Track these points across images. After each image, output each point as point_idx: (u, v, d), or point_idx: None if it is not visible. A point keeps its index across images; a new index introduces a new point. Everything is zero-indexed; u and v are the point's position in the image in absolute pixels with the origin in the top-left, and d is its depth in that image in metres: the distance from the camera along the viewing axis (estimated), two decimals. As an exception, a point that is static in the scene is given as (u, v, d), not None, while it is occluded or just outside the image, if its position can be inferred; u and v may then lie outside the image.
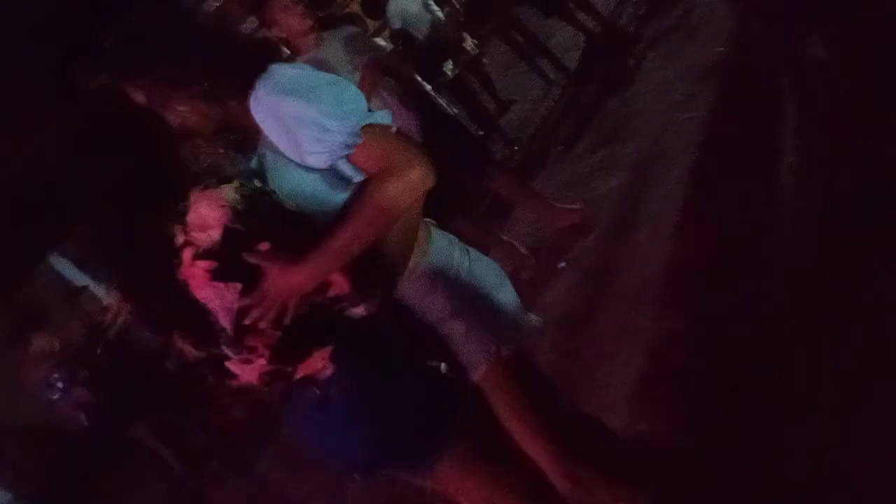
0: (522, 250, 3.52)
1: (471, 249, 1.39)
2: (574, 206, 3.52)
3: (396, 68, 3.42)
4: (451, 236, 1.39)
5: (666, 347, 2.22)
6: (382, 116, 1.24)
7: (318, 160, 1.20)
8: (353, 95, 1.24)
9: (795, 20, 2.57)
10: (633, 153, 3.64)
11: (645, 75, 4.30)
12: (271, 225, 1.16)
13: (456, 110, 5.54)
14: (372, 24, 9.03)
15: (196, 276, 1.12)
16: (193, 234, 1.13)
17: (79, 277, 6.37)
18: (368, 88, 3.03)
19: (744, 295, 2.15)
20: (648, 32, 4.80)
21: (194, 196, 1.15)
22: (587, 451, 1.38)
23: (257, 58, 1.32)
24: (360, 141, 1.18)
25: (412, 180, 1.20)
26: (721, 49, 3.61)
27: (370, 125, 1.20)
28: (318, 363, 1.17)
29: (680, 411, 1.97)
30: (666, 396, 2.07)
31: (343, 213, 1.20)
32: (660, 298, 2.49)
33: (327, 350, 1.18)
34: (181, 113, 1.21)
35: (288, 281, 1.15)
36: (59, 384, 4.45)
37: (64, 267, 6.46)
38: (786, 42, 2.63)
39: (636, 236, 3.04)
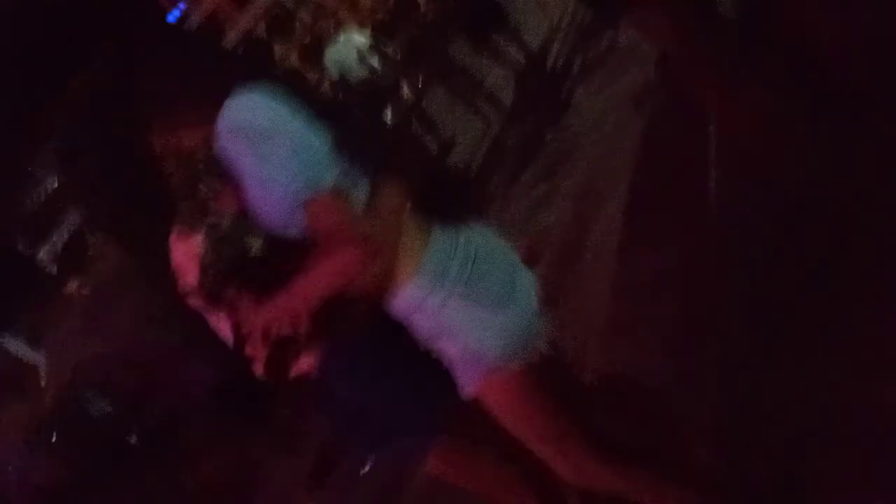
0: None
1: (480, 256, 1.26)
2: (518, 242, 3.62)
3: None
4: (460, 240, 1.26)
5: (613, 376, 2.27)
6: (344, 175, 1.16)
7: (266, 216, 1.15)
8: (311, 148, 1.15)
9: (717, 42, 2.71)
10: (573, 184, 3.75)
11: (577, 107, 4.44)
12: (238, 269, 1.18)
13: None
14: (312, 76, 9.17)
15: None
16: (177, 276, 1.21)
17: (31, 356, 6.22)
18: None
19: (685, 318, 2.22)
20: (578, 64, 4.98)
21: (172, 240, 1.21)
22: (591, 441, 1.33)
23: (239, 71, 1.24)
24: (307, 201, 1.12)
25: (342, 265, 1.14)
26: (648, 76, 3.76)
27: (324, 186, 1.13)
28: (305, 366, 1.23)
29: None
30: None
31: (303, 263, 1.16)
32: (604, 327, 2.56)
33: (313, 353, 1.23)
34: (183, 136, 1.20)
35: (262, 316, 1.17)
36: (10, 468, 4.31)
37: (16, 346, 6.31)
38: (705, 67, 2.76)
39: (579, 265, 3.13)
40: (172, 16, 9.38)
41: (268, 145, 1.12)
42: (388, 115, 5.48)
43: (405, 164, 1.27)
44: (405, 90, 5.71)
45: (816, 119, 2.26)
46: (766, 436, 1.67)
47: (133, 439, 3.95)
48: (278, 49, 9.82)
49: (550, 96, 4.93)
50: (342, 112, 1.26)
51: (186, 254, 1.19)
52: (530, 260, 3.39)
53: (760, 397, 1.76)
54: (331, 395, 1.28)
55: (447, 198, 1.33)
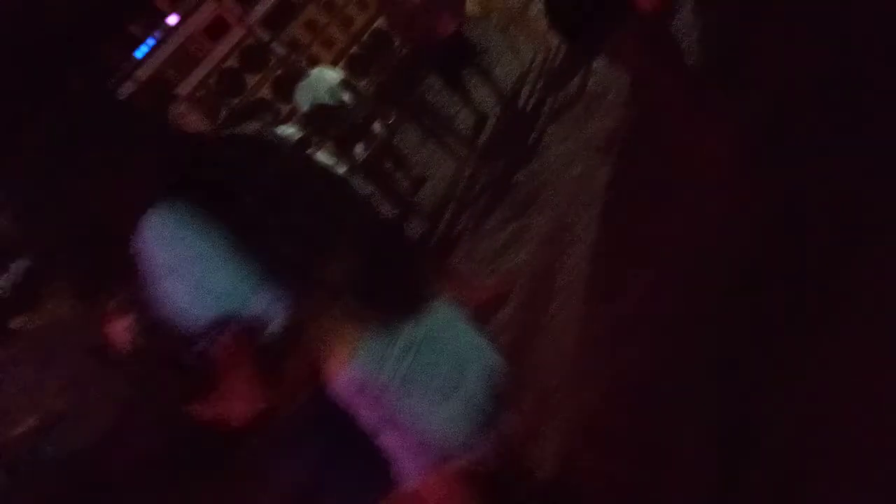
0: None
1: (425, 344, 1.20)
2: (488, 282, 3.62)
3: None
4: (404, 329, 1.20)
5: (583, 419, 2.25)
6: (260, 305, 1.07)
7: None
8: (217, 283, 1.07)
9: (685, 86, 2.76)
10: (541, 226, 3.76)
11: (547, 149, 4.48)
12: (168, 358, 1.14)
13: (369, 191, 5.64)
14: (284, 108, 9.18)
15: None
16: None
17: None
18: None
19: (656, 362, 2.21)
20: (548, 107, 5.04)
21: (105, 315, 1.22)
22: None
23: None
24: (215, 337, 1.06)
25: (225, 414, 1.10)
26: (618, 119, 3.82)
27: (228, 324, 1.06)
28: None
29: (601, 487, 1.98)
30: (586, 468, 2.10)
31: None
32: (574, 369, 2.54)
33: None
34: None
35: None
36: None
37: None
38: (679, 106, 2.79)
39: (550, 307, 3.11)
40: (141, 49, 9.31)
41: (168, 282, 1.07)
42: (359, 150, 5.46)
43: (350, 252, 1.21)
44: (377, 126, 5.71)
45: (782, 161, 2.31)
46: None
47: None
48: (250, 80, 9.82)
49: (521, 137, 4.97)
50: (275, 214, 1.15)
51: (120, 328, 1.15)
52: (498, 301, 3.42)
53: (735, 440, 1.75)
54: (277, 469, 1.23)
55: (396, 282, 1.27)
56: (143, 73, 9.28)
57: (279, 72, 9.35)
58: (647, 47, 2.51)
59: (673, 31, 2.41)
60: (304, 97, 6.01)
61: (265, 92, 9.77)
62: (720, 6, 3.56)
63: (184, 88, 9.40)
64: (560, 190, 3.90)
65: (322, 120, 5.95)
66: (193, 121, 3.09)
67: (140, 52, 9.27)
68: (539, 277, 3.43)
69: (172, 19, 9.51)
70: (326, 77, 6.10)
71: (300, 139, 5.38)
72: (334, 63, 10.12)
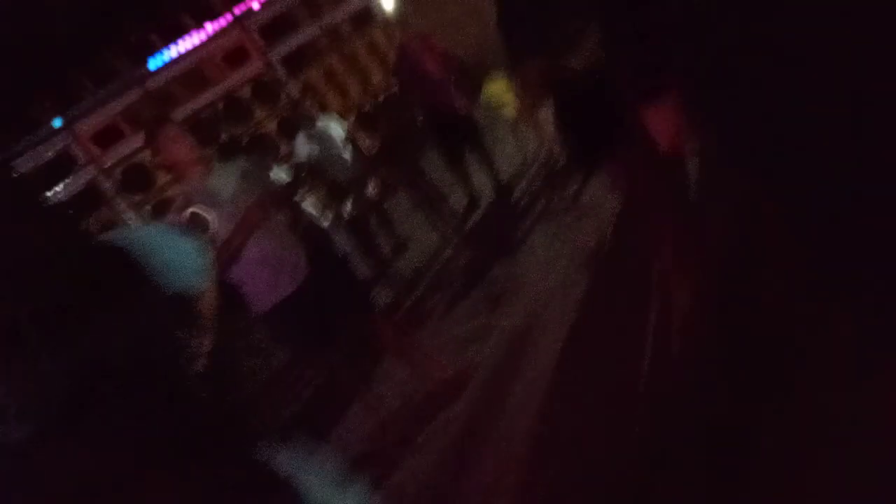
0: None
1: None
2: (446, 366, 3.53)
3: (287, 203, 3.36)
4: None
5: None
6: None
7: None
8: None
9: (679, 226, 2.74)
10: (508, 329, 3.70)
11: (530, 249, 4.46)
12: None
13: (348, 249, 5.58)
14: (284, 148, 9.17)
15: None
16: None
17: None
18: (246, 231, 2.99)
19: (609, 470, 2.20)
20: (540, 207, 5.05)
21: None
22: None
23: None
24: None
25: None
26: (605, 239, 3.82)
27: None
28: None
29: None
30: None
31: None
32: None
33: None
34: None
35: None
36: None
37: None
38: (666, 245, 2.77)
39: (503, 406, 3.04)
40: (157, 59, 9.36)
41: None
42: (348, 207, 5.43)
43: None
44: (371, 187, 5.70)
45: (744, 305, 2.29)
46: None
47: None
48: (258, 113, 9.87)
49: (507, 231, 4.96)
50: None
51: None
52: (451, 392, 3.33)
53: None
54: None
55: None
56: (152, 84, 9.30)
57: (287, 112, 9.42)
58: (651, 176, 2.49)
59: (683, 168, 2.39)
60: (305, 144, 6.01)
61: (270, 128, 9.82)
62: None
63: (187, 109, 9.42)
64: (534, 297, 3.85)
65: (317, 171, 5.94)
66: (184, 146, 3.01)
67: (154, 63, 9.31)
68: (497, 376, 3.35)
69: (195, 38, 9.60)
70: (331, 128, 6.12)
71: (289, 184, 5.33)
72: (344, 114, 10.24)
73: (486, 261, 4.75)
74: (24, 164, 8.66)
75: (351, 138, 6.17)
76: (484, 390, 3.33)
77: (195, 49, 9.63)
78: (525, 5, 2.24)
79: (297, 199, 5.40)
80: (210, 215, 1.35)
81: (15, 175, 8.09)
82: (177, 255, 1.18)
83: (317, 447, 3.48)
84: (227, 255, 3.02)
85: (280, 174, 5.39)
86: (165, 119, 3.08)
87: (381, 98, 10.30)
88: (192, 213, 1.33)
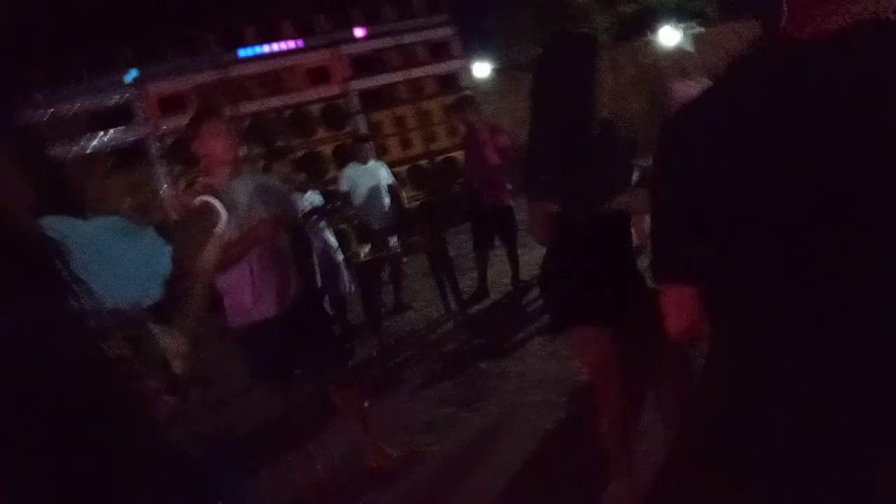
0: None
1: None
2: (392, 453, 3.36)
3: (300, 230, 3.30)
4: None
5: None
6: None
7: None
8: None
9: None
10: (474, 431, 3.54)
11: (522, 357, 4.32)
12: None
13: (353, 288, 5.49)
14: (331, 172, 9.21)
15: None
16: None
17: None
18: (248, 243, 2.93)
19: None
20: (542, 325, 4.90)
21: None
22: None
23: None
24: None
25: None
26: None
27: None
28: None
29: None
30: None
31: None
32: None
33: None
34: None
35: None
36: None
37: None
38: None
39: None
40: (247, 50, 9.60)
41: None
42: (364, 251, 5.37)
43: None
44: (394, 239, 5.64)
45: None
46: None
47: None
48: (320, 133, 9.99)
49: (508, 331, 4.84)
50: None
51: None
52: (392, 475, 3.17)
53: None
54: None
55: None
56: (233, 71, 9.51)
57: (347, 142, 9.51)
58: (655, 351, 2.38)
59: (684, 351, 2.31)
60: (351, 178, 6.02)
61: (326, 151, 9.93)
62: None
63: (256, 105, 9.59)
64: (508, 403, 3.71)
65: (352, 206, 5.92)
66: (222, 143, 2.98)
67: (244, 52, 9.53)
68: (447, 475, 3.18)
69: (289, 44, 9.84)
70: (380, 171, 6.14)
71: (318, 209, 5.31)
72: (400, 162, 10.34)
73: (477, 352, 4.62)
74: (83, 104, 8.82)
75: (395, 187, 6.18)
76: (427, 484, 3.15)
77: (285, 54, 9.88)
78: (547, 149, 2.24)
79: (321, 225, 5.37)
80: (223, 212, 1.30)
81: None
82: (128, 260, 1.07)
83: (239, 482, 3.31)
84: (224, 260, 2.95)
85: (314, 197, 5.37)
86: (215, 112, 3.06)
87: (437, 160, 10.40)
88: (205, 203, 1.25)
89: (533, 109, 2.32)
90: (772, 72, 0.79)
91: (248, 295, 3.02)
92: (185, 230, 1.26)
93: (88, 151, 8.94)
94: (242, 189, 3.00)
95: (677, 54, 7.57)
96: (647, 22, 11.49)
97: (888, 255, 0.73)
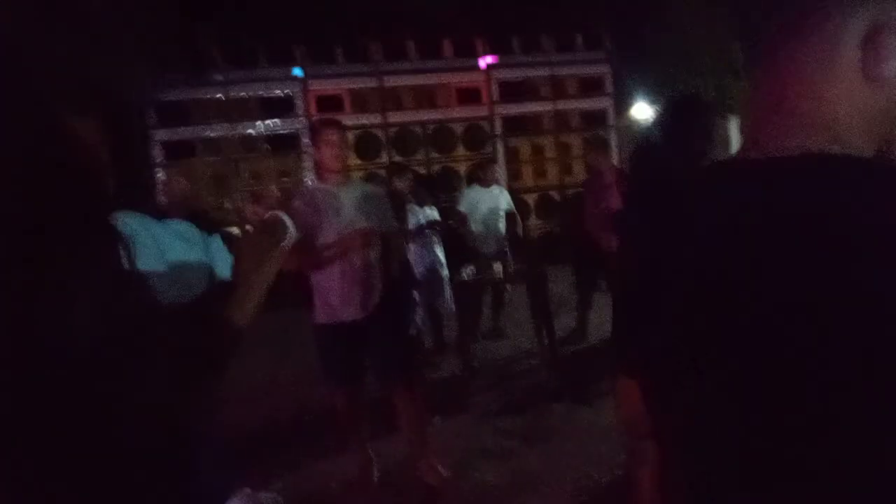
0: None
1: None
2: (443, 472, 3.46)
3: (388, 242, 3.44)
4: None
5: None
6: None
7: None
8: None
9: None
10: (530, 463, 3.57)
11: (599, 408, 4.27)
12: None
13: (452, 306, 5.64)
14: (459, 190, 9.45)
15: None
16: None
17: None
18: (341, 250, 3.15)
19: None
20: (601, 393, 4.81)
21: None
22: None
23: None
24: None
25: None
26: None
27: None
28: None
29: None
30: None
31: None
32: None
33: None
34: None
35: None
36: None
37: None
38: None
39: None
40: (400, 64, 10.03)
41: None
42: (467, 272, 5.50)
43: None
44: (499, 267, 5.73)
45: None
46: None
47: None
48: (460, 151, 10.29)
49: (594, 376, 4.78)
50: None
51: None
52: (439, 490, 3.27)
53: None
54: None
55: None
56: (388, 81, 10.01)
57: (481, 162, 9.72)
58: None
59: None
60: (471, 199, 6.18)
61: (460, 169, 10.21)
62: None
63: (404, 116, 10.03)
64: (572, 454, 3.69)
65: (465, 227, 6.08)
66: (335, 152, 3.23)
67: (400, 65, 10.02)
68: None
69: (445, 63, 10.20)
70: (501, 199, 6.25)
71: (431, 224, 5.51)
72: (530, 190, 10.42)
73: (555, 392, 4.61)
74: (254, 90, 9.62)
75: (513, 215, 6.27)
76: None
77: (439, 71, 10.27)
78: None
79: (432, 240, 5.57)
80: (291, 227, 1.40)
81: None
82: (187, 264, 1.17)
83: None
84: (318, 261, 3.20)
85: (431, 213, 5.58)
86: (333, 123, 3.32)
87: (568, 193, 10.37)
88: (275, 216, 1.28)
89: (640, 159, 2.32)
90: (708, 189, 0.82)
91: (336, 297, 3.24)
92: (252, 241, 1.28)
93: (250, 133, 9.74)
94: (348, 196, 3.23)
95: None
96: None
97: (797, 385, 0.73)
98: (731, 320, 0.75)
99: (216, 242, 1.20)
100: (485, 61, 10.39)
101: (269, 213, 1.40)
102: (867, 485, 0.68)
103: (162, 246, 1.10)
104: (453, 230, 6.27)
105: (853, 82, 0.73)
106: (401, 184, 5.24)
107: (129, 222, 1.04)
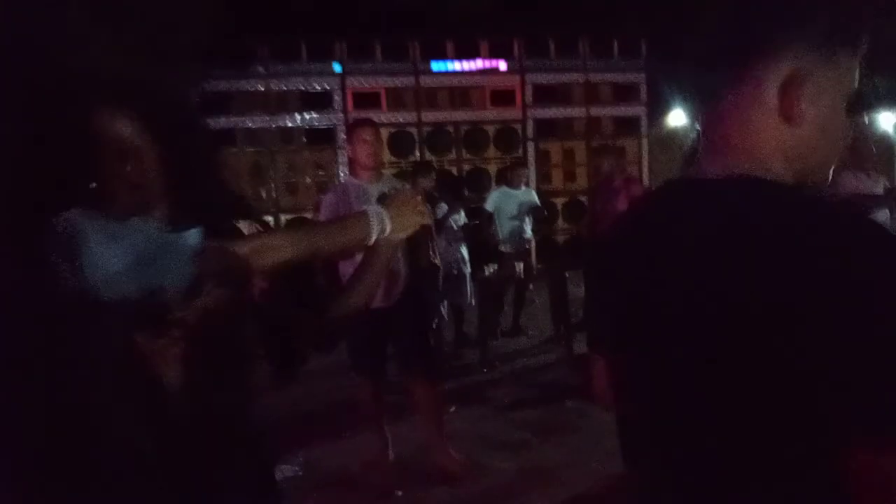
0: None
1: None
2: (458, 458, 3.62)
3: (413, 237, 3.60)
4: None
5: None
6: None
7: None
8: None
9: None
10: (545, 455, 3.74)
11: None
12: None
13: (473, 301, 5.80)
14: (487, 191, 9.62)
15: None
16: None
17: None
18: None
19: None
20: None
21: None
22: None
23: None
24: None
25: None
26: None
27: None
28: None
29: None
30: None
31: None
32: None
33: None
34: None
35: None
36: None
37: None
38: None
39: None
40: (437, 64, 10.23)
41: None
42: (489, 270, 5.66)
43: None
44: (520, 267, 5.88)
45: None
46: None
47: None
48: (491, 151, 10.44)
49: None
50: None
51: None
52: (454, 476, 3.44)
53: None
54: None
55: None
56: (424, 81, 10.21)
57: (512, 163, 9.86)
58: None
59: None
60: (498, 200, 6.32)
61: (491, 169, 10.36)
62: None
63: (437, 116, 10.21)
64: (583, 449, 3.82)
65: (490, 226, 6.24)
66: (368, 148, 3.42)
67: (436, 67, 10.22)
68: (491, 499, 3.40)
69: (481, 64, 10.36)
70: (529, 199, 6.37)
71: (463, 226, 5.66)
72: (559, 193, 10.52)
73: (571, 389, 4.75)
74: (286, 84, 9.88)
75: (540, 210, 6.37)
76: (475, 498, 3.39)
77: (475, 73, 10.44)
78: None
79: (457, 237, 5.73)
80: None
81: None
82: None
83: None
84: (347, 251, 3.38)
85: (455, 216, 5.75)
86: (368, 123, 3.51)
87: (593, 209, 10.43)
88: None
89: None
90: (654, 203, 1.00)
91: (358, 285, 3.42)
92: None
93: (289, 126, 10.00)
94: (377, 192, 3.42)
95: (867, 140, 7.13)
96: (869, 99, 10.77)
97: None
98: (653, 316, 0.92)
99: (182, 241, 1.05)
100: (520, 64, 10.53)
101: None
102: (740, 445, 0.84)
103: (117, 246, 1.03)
104: (477, 228, 6.41)
105: (773, 121, 0.89)
106: (425, 182, 5.42)
107: (82, 222, 1.00)
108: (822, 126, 0.90)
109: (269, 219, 9.67)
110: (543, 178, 10.50)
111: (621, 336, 1.01)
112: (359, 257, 3.17)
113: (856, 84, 0.93)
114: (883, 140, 9.94)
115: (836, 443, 0.76)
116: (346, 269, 3.44)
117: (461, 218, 5.78)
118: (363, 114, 9.56)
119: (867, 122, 10.50)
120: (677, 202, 0.98)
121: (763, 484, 0.81)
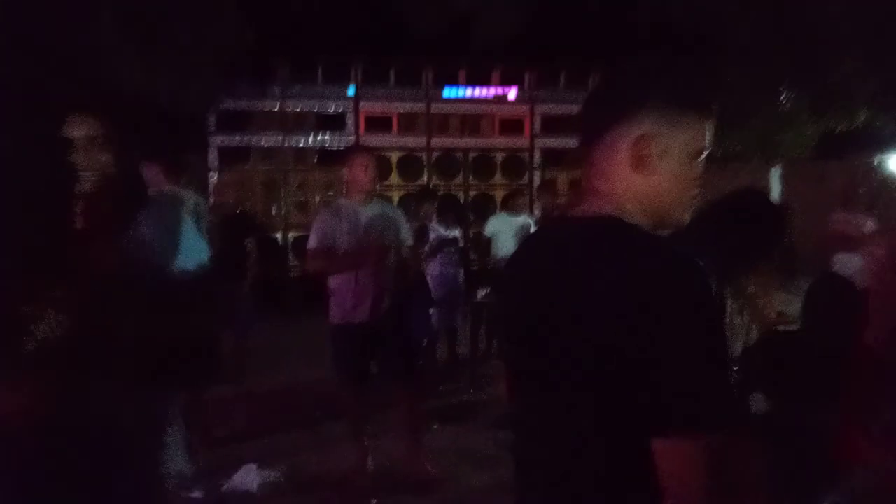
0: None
1: None
2: (431, 470, 3.78)
3: (401, 257, 3.80)
4: None
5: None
6: None
7: None
8: None
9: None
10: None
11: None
12: None
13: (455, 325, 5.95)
14: (489, 217, 9.79)
15: None
16: None
17: None
18: (353, 264, 3.53)
19: None
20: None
21: None
22: None
23: None
24: None
25: None
26: None
27: None
28: None
29: None
30: None
31: None
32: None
33: None
34: None
35: None
36: None
37: None
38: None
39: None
40: (452, 90, 10.49)
41: None
42: (482, 294, 5.82)
43: None
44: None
45: None
46: None
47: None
48: (498, 178, 10.64)
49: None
50: None
51: None
52: (429, 485, 3.58)
53: None
54: None
55: None
56: (435, 107, 10.47)
57: (516, 190, 10.05)
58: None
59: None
60: (496, 226, 6.48)
61: (496, 196, 10.56)
62: None
63: (446, 142, 10.44)
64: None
65: (488, 251, 6.40)
66: (363, 172, 3.65)
67: (447, 93, 10.47)
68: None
69: (492, 92, 10.60)
70: (527, 226, 6.51)
71: (445, 241, 5.82)
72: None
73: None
74: (301, 105, 10.15)
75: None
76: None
77: (485, 102, 10.70)
78: None
79: (453, 260, 5.90)
80: None
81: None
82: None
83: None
84: (335, 267, 3.60)
85: (454, 232, 5.93)
86: (365, 148, 3.73)
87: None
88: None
89: None
90: (534, 239, 1.23)
91: (350, 300, 3.62)
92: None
93: (301, 146, 10.25)
94: (367, 213, 3.63)
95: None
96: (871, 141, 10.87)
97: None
98: (526, 332, 1.15)
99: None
100: (532, 94, 10.78)
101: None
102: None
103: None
104: (470, 252, 6.56)
105: (627, 171, 1.10)
106: (427, 207, 5.62)
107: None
108: (671, 176, 1.10)
109: (278, 235, 9.93)
110: (548, 211, 10.68)
111: (510, 348, 1.23)
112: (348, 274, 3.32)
113: (706, 141, 1.12)
114: (888, 182, 10.03)
115: (646, 431, 0.96)
116: (334, 282, 3.66)
117: (459, 241, 5.96)
118: (375, 137, 9.87)
119: (874, 164, 10.64)
120: (553, 235, 1.21)
121: (602, 454, 1.04)
